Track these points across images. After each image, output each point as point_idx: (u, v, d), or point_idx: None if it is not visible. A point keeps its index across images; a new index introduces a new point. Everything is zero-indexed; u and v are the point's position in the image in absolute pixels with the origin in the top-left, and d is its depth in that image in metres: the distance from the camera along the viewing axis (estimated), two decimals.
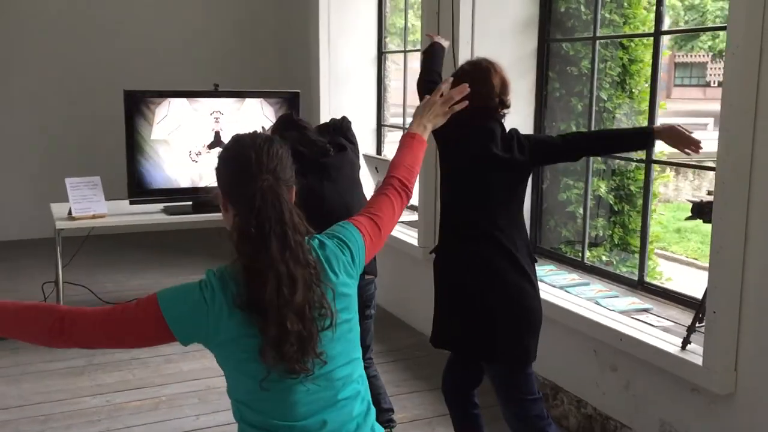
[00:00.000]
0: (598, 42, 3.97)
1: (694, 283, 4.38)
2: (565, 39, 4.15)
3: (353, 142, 3.25)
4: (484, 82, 2.58)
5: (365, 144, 6.18)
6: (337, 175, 3.05)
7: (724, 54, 2.54)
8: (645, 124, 4.53)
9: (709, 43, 19.34)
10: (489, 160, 2.57)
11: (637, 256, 4.48)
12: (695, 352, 2.79)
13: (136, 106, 4.61)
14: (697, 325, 2.84)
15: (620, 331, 3.07)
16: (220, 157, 1.66)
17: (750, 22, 2.42)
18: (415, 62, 6.06)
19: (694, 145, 2.50)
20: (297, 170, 2.86)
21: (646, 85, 4.37)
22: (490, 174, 2.58)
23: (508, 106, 2.68)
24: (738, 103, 2.49)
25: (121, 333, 1.56)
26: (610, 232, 4.34)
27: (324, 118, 5.95)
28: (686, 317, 3.24)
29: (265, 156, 1.59)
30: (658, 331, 3.06)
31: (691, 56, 23.17)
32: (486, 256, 2.58)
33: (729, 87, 2.52)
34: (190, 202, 4.85)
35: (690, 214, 2.94)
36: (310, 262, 1.56)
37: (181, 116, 4.72)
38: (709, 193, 2.98)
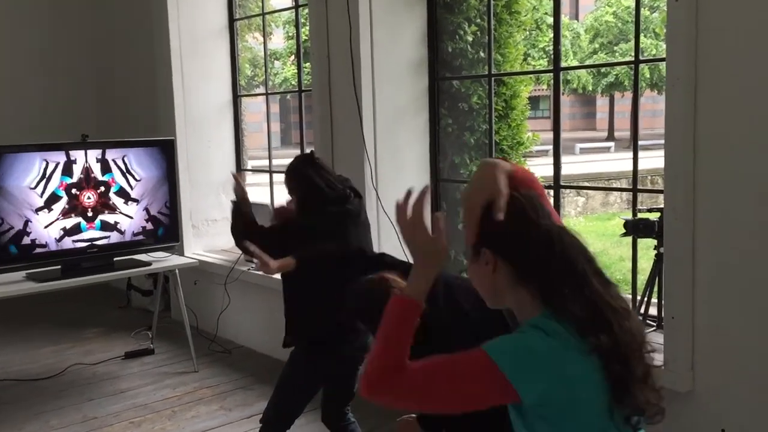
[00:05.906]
0: (485, 79, 4.22)
1: None
2: (461, 77, 4.35)
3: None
4: None
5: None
6: (359, 221, 2.96)
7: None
8: (523, 153, 4.88)
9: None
10: None
11: None
12: None
13: None
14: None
15: None
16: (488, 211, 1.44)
17: (688, 57, 2.73)
18: (275, 104, 5.99)
19: None
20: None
21: (523, 118, 4.73)
22: None
23: None
24: (679, 130, 2.79)
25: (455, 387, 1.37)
26: None
27: (183, 163, 5.66)
28: None
29: (527, 200, 1.46)
30: None
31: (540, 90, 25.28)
32: None
33: (671, 116, 2.81)
34: (59, 266, 4.39)
35: (624, 230, 3.23)
36: (624, 300, 1.46)
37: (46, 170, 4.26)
38: (636, 213, 3.30)
